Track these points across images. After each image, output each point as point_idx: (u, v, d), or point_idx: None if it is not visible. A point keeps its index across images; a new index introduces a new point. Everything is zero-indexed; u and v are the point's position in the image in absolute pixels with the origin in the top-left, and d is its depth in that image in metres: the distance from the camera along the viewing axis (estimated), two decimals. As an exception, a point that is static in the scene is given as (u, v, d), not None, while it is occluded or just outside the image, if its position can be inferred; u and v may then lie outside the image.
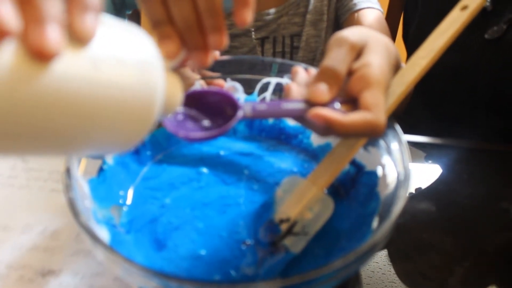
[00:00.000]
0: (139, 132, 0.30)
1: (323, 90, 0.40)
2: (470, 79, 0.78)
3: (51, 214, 0.53)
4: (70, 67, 0.24)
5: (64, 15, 0.23)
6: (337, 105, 0.40)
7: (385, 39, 0.44)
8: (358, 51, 0.42)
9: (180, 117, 0.40)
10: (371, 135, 0.39)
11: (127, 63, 0.27)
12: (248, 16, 0.35)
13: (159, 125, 0.54)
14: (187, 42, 0.36)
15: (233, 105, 0.40)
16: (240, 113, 0.39)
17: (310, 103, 0.40)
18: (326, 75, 0.40)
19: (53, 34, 0.22)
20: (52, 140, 0.26)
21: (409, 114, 0.89)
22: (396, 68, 0.44)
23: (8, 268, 0.46)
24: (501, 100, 0.76)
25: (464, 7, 0.44)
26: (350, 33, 0.42)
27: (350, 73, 0.41)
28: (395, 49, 0.45)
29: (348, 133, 0.38)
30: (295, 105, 0.41)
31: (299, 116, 0.41)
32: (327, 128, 0.38)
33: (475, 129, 0.79)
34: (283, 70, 0.54)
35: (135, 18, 1.13)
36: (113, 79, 0.26)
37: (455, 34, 0.43)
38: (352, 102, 0.40)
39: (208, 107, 0.41)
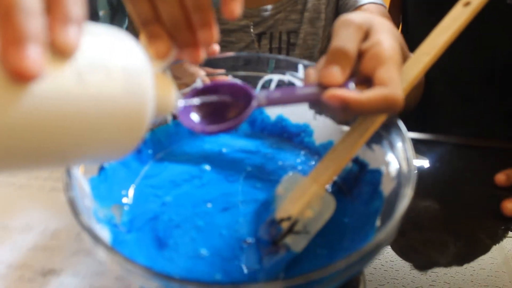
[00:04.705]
0: (133, 138, 0.29)
1: (335, 72, 0.39)
2: (489, 53, 0.76)
3: (51, 213, 0.53)
4: (55, 84, 0.23)
5: (45, 30, 0.23)
6: (352, 85, 0.40)
7: (388, 22, 0.44)
8: (365, 32, 0.41)
9: (195, 111, 0.40)
10: (390, 110, 0.38)
11: (113, 73, 0.26)
12: (236, 7, 0.34)
13: (160, 124, 0.54)
14: (176, 40, 0.35)
15: (247, 95, 0.40)
16: (254, 103, 0.39)
17: (324, 86, 0.39)
18: (337, 56, 0.40)
19: (33, 54, 0.21)
20: (44, 158, 0.25)
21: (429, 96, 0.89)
22: (401, 49, 0.43)
23: (8, 268, 0.46)
24: None
25: (467, 3, 0.44)
26: (354, 16, 0.42)
27: (361, 54, 0.40)
28: (398, 31, 0.44)
29: (366, 111, 0.38)
30: (309, 90, 0.40)
31: (315, 101, 0.40)
32: (344, 108, 0.37)
33: (489, 112, 0.79)
34: (282, 67, 0.54)
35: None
36: (100, 91, 0.25)
37: (458, 30, 0.43)
38: (366, 82, 0.40)
39: (221, 99, 0.41)
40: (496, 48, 0.76)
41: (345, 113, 0.40)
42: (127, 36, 0.29)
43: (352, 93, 0.37)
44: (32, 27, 0.21)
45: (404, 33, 0.98)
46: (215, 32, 0.35)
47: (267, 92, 0.40)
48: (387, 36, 0.41)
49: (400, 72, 0.40)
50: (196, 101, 0.40)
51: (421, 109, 0.92)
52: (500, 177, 0.60)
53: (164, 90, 0.34)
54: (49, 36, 0.23)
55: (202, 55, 0.37)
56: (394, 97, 0.37)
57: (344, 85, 0.40)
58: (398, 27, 1.11)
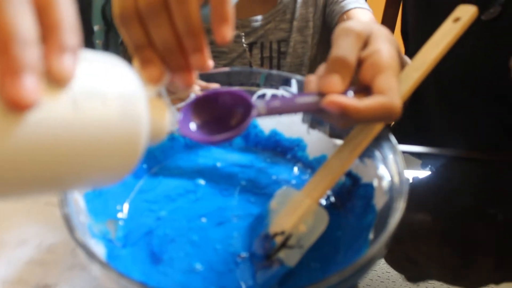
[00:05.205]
0: (128, 164, 0.30)
1: (336, 80, 0.39)
2: (472, 67, 0.78)
3: (47, 227, 0.52)
4: (51, 112, 0.23)
5: (41, 60, 0.23)
6: (350, 93, 0.40)
7: (386, 30, 0.44)
8: (364, 40, 0.42)
9: (194, 121, 0.40)
10: (387, 119, 0.39)
11: (108, 100, 0.26)
12: (227, 33, 0.34)
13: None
14: (169, 64, 0.36)
15: (246, 104, 0.40)
16: (254, 112, 0.39)
17: (324, 94, 0.40)
18: (337, 65, 0.40)
19: (29, 84, 0.21)
20: (40, 186, 0.25)
21: (421, 109, 0.89)
22: (399, 56, 0.44)
23: (4, 283, 0.46)
24: (500, 88, 0.76)
25: (457, 19, 0.44)
26: (354, 24, 0.42)
27: (360, 62, 0.41)
28: (394, 38, 0.45)
29: (364, 119, 0.38)
30: (309, 98, 0.40)
31: (316, 110, 0.40)
32: (343, 115, 0.38)
33: (479, 123, 0.80)
34: (274, 81, 0.54)
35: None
36: (96, 118, 0.26)
37: (448, 46, 0.44)
38: (365, 90, 0.40)
39: (219, 108, 0.41)
40: (478, 60, 0.77)
41: (344, 120, 0.40)
42: (120, 62, 0.29)
43: (351, 100, 0.38)
44: (29, 57, 0.22)
45: (404, 35, 0.98)
46: (207, 56, 0.35)
47: (266, 101, 0.40)
48: (385, 44, 0.41)
49: (398, 80, 0.40)
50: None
51: (412, 120, 0.93)
52: None
53: (158, 115, 0.34)
54: (45, 65, 0.23)
55: (195, 78, 0.37)
56: (392, 106, 0.38)
57: (343, 93, 0.40)
58: (394, 26, 1.11)
